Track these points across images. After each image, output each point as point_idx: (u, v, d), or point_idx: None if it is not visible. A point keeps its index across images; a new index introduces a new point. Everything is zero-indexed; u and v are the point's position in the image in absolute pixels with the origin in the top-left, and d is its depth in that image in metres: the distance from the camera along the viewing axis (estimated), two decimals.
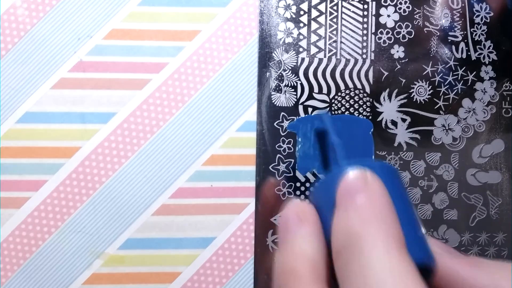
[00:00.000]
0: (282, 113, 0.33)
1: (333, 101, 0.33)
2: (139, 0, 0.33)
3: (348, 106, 0.33)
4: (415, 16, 0.34)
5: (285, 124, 0.33)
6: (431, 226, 0.34)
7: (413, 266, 0.17)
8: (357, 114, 0.33)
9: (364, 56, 0.33)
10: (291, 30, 0.33)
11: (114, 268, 0.33)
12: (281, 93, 0.33)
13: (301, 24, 0.33)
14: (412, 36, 0.34)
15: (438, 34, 0.34)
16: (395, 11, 0.34)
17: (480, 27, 0.34)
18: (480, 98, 0.34)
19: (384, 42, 0.34)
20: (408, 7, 0.34)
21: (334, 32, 0.33)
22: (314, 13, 0.33)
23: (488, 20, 0.34)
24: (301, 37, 0.33)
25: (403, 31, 0.34)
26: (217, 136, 0.33)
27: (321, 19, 0.33)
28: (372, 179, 0.19)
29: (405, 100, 0.34)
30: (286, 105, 0.33)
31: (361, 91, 0.33)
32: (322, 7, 0.33)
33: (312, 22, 0.33)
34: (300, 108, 0.33)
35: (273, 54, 0.33)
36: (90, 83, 0.33)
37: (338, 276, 0.19)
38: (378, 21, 0.34)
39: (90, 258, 0.33)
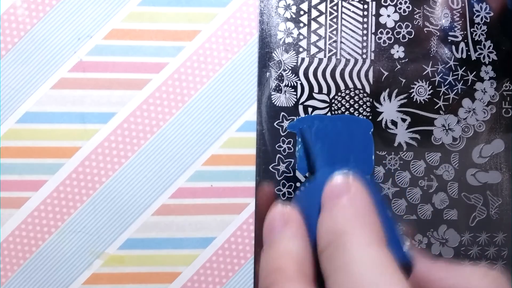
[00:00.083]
0: (282, 113, 0.33)
1: (333, 101, 0.33)
2: (139, 0, 0.33)
3: (348, 106, 0.33)
4: (415, 16, 0.34)
5: (285, 124, 0.33)
6: (431, 226, 0.34)
7: (393, 261, 0.19)
8: (357, 114, 0.33)
9: (364, 56, 0.33)
10: (291, 30, 0.33)
11: (114, 268, 0.33)
12: (281, 93, 0.33)
13: (301, 24, 0.33)
14: (412, 36, 0.34)
15: (438, 34, 0.34)
16: (395, 11, 0.34)
17: (480, 27, 0.34)
18: (480, 98, 0.34)
19: (384, 42, 0.34)
20: (408, 7, 0.34)
21: (334, 32, 0.33)
22: (314, 13, 0.33)
23: (488, 20, 0.34)
24: (301, 37, 0.33)
25: (403, 31, 0.34)
26: (217, 136, 0.33)
27: (321, 19, 0.33)
28: (354, 182, 0.21)
29: (405, 100, 0.34)
30: (286, 105, 0.33)
31: (361, 91, 0.33)
32: (322, 7, 0.33)
33: (312, 22, 0.33)
34: (300, 108, 0.33)
35: (273, 54, 0.33)
36: (90, 83, 0.33)
37: (324, 271, 0.20)
38: (378, 21, 0.34)
39: (90, 258, 0.33)
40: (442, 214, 0.34)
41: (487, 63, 0.34)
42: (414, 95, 0.34)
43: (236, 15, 0.33)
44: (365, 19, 0.33)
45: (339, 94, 0.33)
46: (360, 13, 0.33)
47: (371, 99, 0.34)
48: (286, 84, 0.33)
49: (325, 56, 0.33)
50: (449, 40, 0.34)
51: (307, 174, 0.33)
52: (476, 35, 0.34)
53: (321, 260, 0.20)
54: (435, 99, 0.34)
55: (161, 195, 0.33)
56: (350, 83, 0.33)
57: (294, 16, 0.33)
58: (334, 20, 0.33)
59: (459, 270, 0.22)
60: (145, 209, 0.33)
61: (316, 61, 0.33)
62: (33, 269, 0.33)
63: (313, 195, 0.22)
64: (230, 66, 0.33)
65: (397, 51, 0.34)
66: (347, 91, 0.33)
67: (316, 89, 0.33)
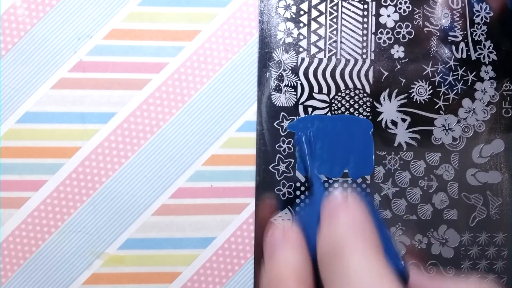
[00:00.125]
0: (282, 113, 0.33)
1: (333, 101, 0.33)
2: (139, 0, 0.33)
3: (348, 106, 0.33)
4: (415, 16, 0.34)
5: (285, 124, 0.33)
6: (431, 226, 0.34)
7: (389, 271, 0.20)
8: (357, 114, 0.33)
9: (364, 56, 0.33)
10: (291, 30, 0.33)
11: (114, 268, 0.33)
12: (281, 93, 0.33)
13: (301, 24, 0.33)
14: (412, 36, 0.34)
15: (438, 34, 0.34)
16: (395, 11, 0.34)
17: (480, 27, 0.34)
18: (480, 98, 0.34)
19: (384, 42, 0.34)
20: (408, 7, 0.34)
21: (334, 32, 0.33)
22: (314, 13, 0.33)
23: (488, 20, 0.34)
24: (301, 37, 0.33)
25: (403, 31, 0.34)
26: (217, 136, 0.33)
27: (321, 19, 0.33)
28: (352, 198, 0.23)
29: (405, 100, 0.34)
30: (286, 105, 0.33)
31: (361, 91, 0.33)
32: (322, 7, 0.33)
33: (312, 22, 0.33)
34: (300, 108, 0.33)
35: (273, 54, 0.33)
36: (90, 83, 0.33)
37: (323, 281, 0.21)
38: (378, 21, 0.34)
39: (90, 258, 0.33)
40: (442, 214, 0.34)
41: (487, 63, 0.34)
42: (414, 95, 0.34)
43: (236, 15, 0.33)
44: (365, 19, 0.33)
45: (339, 94, 0.33)
46: (360, 13, 0.33)
47: (371, 99, 0.34)
48: (286, 84, 0.33)
49: (325, 56, 0.33)
50: (449, 40, 0.34)
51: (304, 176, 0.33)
52: (476, 35, 0.34)
53: (321, 270, 0.21)
54: (435, 99, 0.34)
55: (161, 195, 0.33)
56: (350, 83, 0.33)
57: (294, 16, 0.33)
58: (334, 20, 0.33)
59: (453, 283, 0.23)
60: (145, 209, 0.33)
61: (316, 61, 0.33)
62: (33, 269, 0.33)
63: (312, 209, 0.23)
64: (230, 66, 0.33)
65: (397, 51, 0.34)
66: (347, 91, 0.33)
67: (316, 89, 0.33)
